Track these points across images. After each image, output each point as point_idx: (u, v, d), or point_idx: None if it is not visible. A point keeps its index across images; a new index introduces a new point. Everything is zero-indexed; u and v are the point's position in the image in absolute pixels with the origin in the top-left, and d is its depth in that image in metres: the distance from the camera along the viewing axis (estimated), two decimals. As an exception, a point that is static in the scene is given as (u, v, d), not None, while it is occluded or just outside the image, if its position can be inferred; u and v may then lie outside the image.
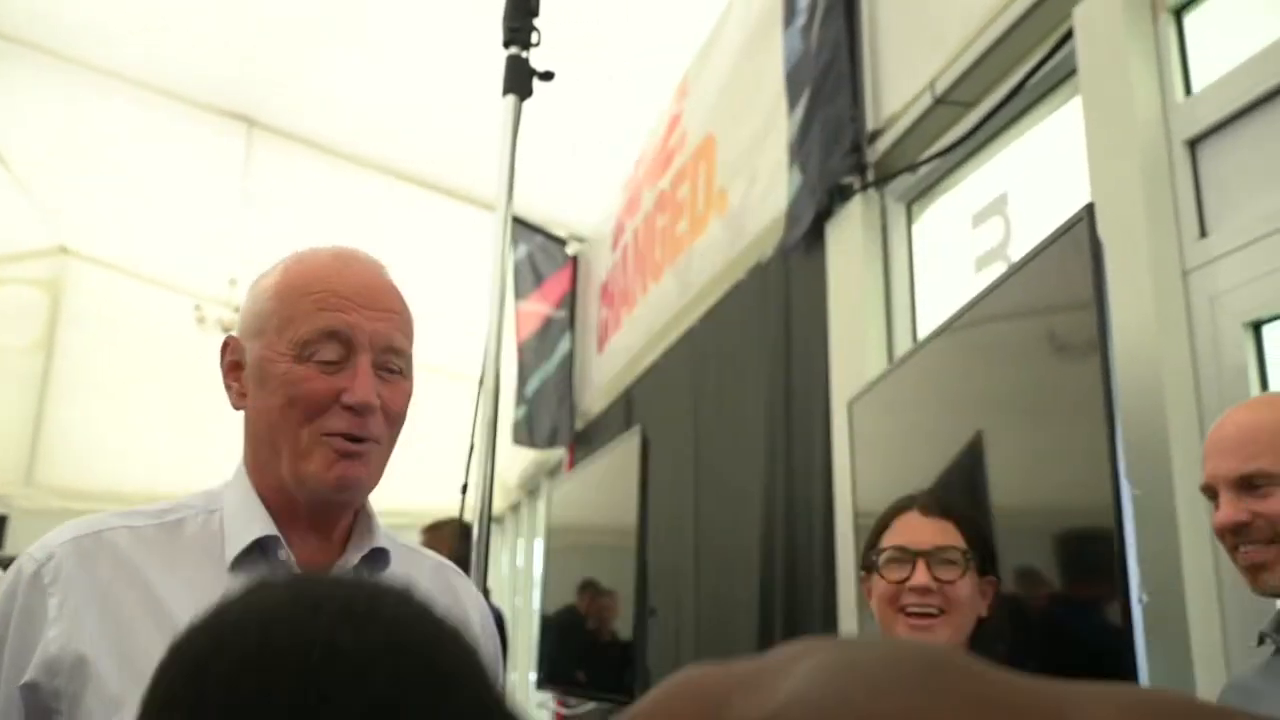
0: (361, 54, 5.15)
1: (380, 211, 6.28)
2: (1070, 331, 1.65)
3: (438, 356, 7.38)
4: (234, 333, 1.16)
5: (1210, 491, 1.43)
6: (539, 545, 7.11)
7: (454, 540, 4.30)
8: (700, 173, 4.23)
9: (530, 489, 8.07)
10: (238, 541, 1.10)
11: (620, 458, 3.36)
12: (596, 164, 5.54)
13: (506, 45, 2.06)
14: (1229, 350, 1.83)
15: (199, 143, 6.32)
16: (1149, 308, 1.90)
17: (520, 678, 7.55)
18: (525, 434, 6.51)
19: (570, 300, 6.37)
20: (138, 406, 8.72)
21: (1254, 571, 1.37)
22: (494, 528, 9.59)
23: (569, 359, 6.30)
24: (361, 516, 1.19)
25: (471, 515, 1.96)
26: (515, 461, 7.57)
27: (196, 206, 7.13)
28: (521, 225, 6.20)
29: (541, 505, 7.37)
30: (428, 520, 4.85)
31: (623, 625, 3.16)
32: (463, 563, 1.97)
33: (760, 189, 3.62)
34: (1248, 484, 1.38)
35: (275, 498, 1.12)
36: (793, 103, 3.31)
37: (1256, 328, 1.82)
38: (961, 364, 2.06)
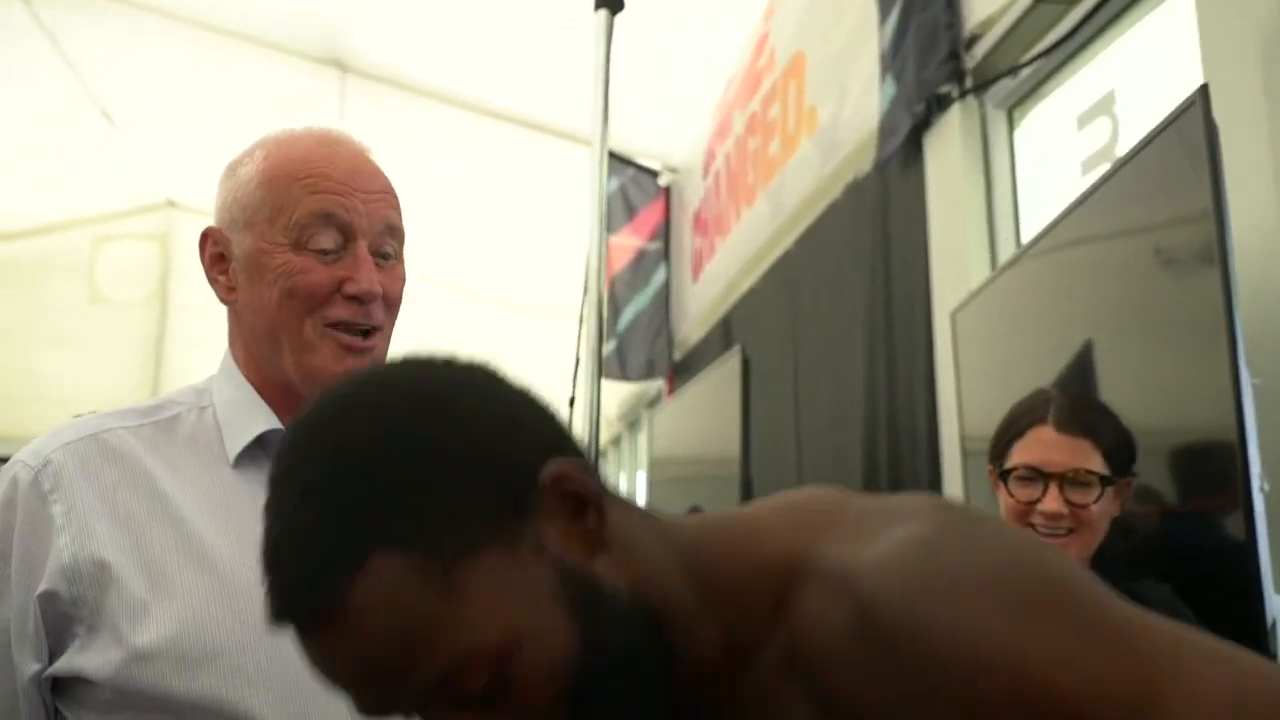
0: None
1: (476, 150, 6.31)
2: (1185, 223, 1.59)
3: (533, 295, 7.45)
4: (212, 223, 1.11)
5: None
6: (641, 478, 7.19)
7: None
8: (790, 91, 4.15)
9: (630, 421, 8.14)
10: (240, 437, 1.06)
11: (721, 379, 3.36)
12: (687, 92, 5.48)
13: (595, -40, 2.04)
14: (1356, 240, 1.75)
15: (294, 90, 6.41)
16: (1271, 202, 1.82)
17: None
18: (617, 367, 6.55)
19: (665, 231, 6.36)
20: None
21: None
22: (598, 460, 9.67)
23: (665, 289, 6.30)
24: None
25: (579, 437, 1.99)
26: (614, 395, 7.64)
27: (295, 154, 7.24)
28: (614, 158, 6.18)
29: (642, 438, 7.43)
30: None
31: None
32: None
33: (852, 104, 3.55)
34: None
35: (272, 391, 1.09)
36: (885, 12, 3.22)
37: (1386, 215, 1.73)
38: (1069, 266, 2.01)
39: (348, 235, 1.06)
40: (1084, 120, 2.60)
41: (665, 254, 6.35)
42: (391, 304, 1.10)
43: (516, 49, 5.38)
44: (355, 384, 0.71)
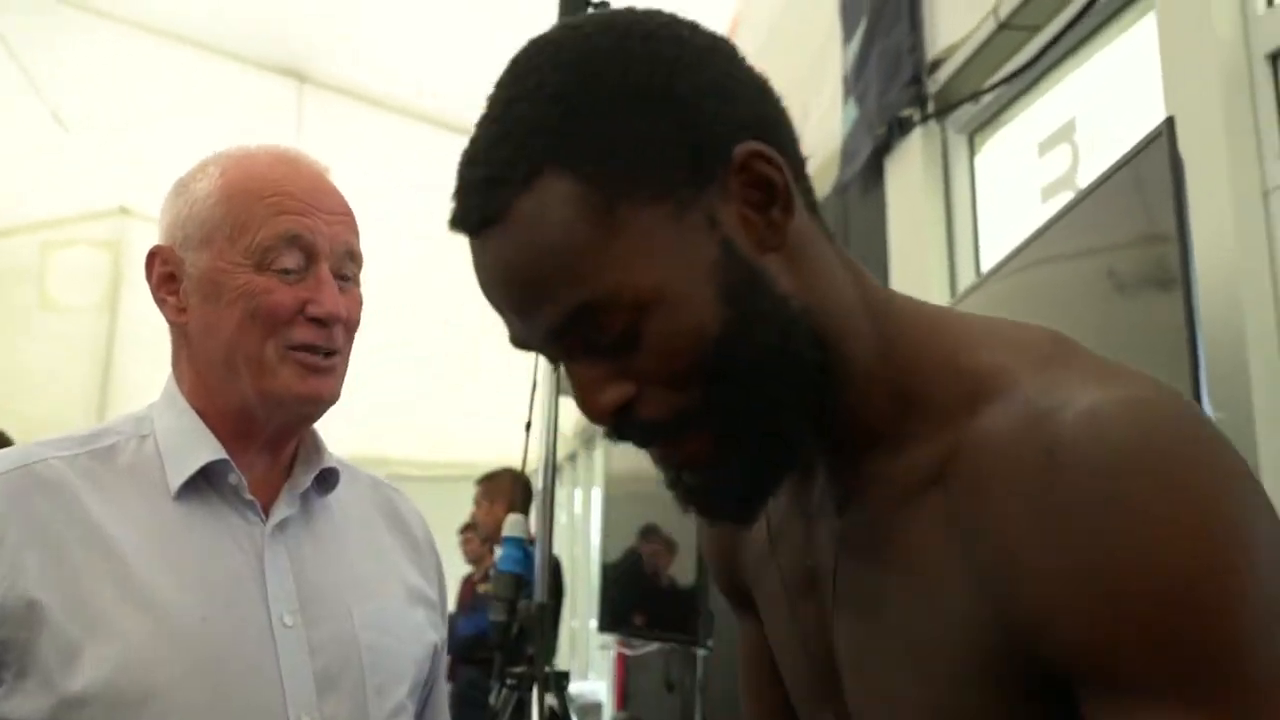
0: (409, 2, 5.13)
1: (435, 164, 6.27)
2: (1149, 253, 1.59)
3: (492, 312, 7.40)
4: (161, 242, 1.08)
5: None
6: (596, 494, 7.15)
7: (511, 490, 4.32)
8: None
9: (586, 438, 8.10)
10: (183, 467, 1.03)
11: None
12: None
13: (559, -25, 2.03)
14: (1313, 272, 1.77)
15: (252, 100, 6.35)
16: (1229, 231, 1.83)
17: (580, 624, 7.63)
18: (579, 384, 6.53)
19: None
20: (200, 364, 8.86)
21: None
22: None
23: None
24: (308, 435, 1.14)
25: (535, 456, 1.95)
26: (572, 411, 7.60)
27: (251, 164, 7.17)
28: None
29: (598, 455, 7.39)
30: (479, 471, 4.87)
31: (685, 568, 3.16)
32: (523, 511, 1.97)
33: (814, 126, 3.55)
34: None
35: (221, 419, 1.06)
36: (848, 34, 3.23)
37: (1343, 248, 1.75)
38: (1031, 293, 2.01)
39: (310, 257, 1.04)
40: (1045, 147, 2.61)
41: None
42: (350, 328, 1.09)
43: (478, 62, 5.34)
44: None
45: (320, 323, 1.04)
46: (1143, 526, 0.53)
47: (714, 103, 0.65)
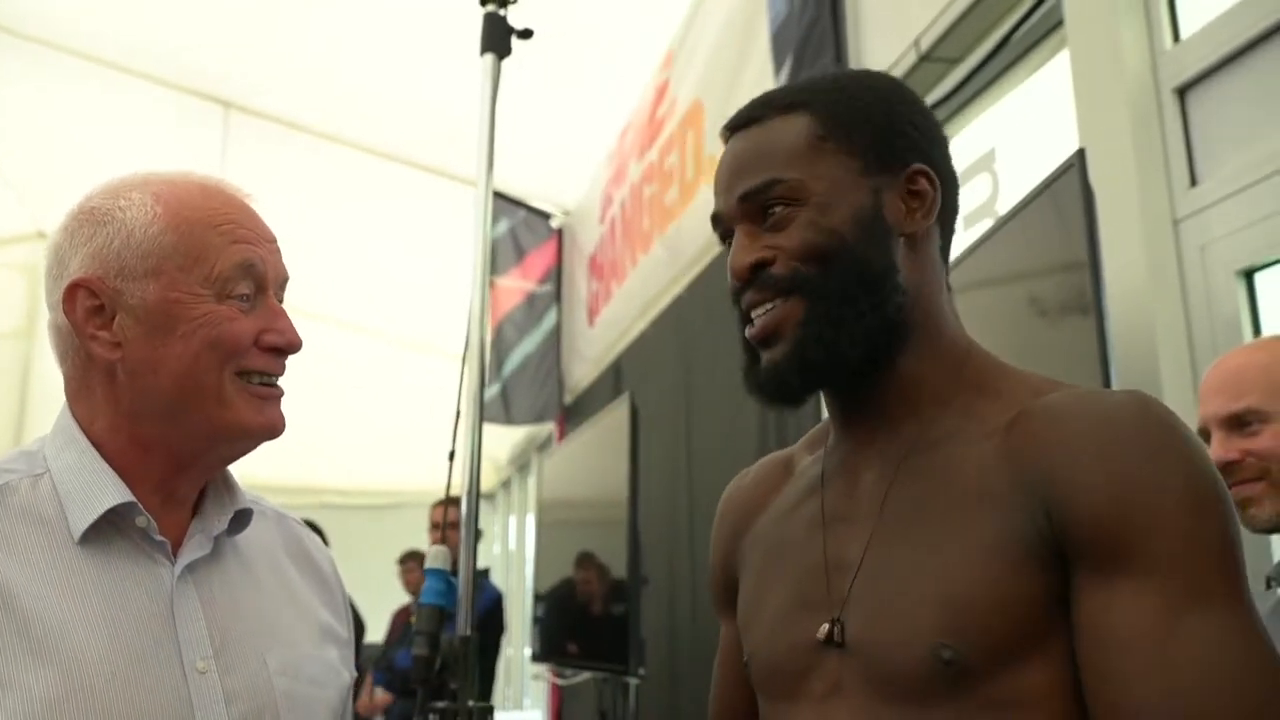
0: (336, 29, 5.09)
1: (360, 190, 6.23)
2: (1063, 281, 1.63)
3: (420, 334, 7.35)
4: (84, 274, 0.99)
5: (1204, 434, 1.45)
6: (530, 521, 7.11)
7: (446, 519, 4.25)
8: (688, 140, 4.18)
9: (520, 465, 8.06)
10: (86, 511, 0.96)
11: (610, 426, 3.34)
12: (582, 134, 5.49)
13: (483, 3, 2.02)
14: (1221, 299, 1.82)
15: (176, 126, 6.25)
16: (1140, 258, 1.88)
17: (515, 653, 7.56)
18: (501, 411, 6.48)
19: (556, 273, 6.34)
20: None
21: (1243, 507, 1.39)
22: (485, 505, 9.58)
23: (555, 332, 6.27)
24: (217, 476, 1.09)
25: (459, 485, 1.93)
26: (505, 438, 7.56)
27: (175, 189, 7.05)
28: (505, 200, 6.15)
29: (532, 481, 7.35)
30: (411, 498, 4.80)
31: (616, 596, 3.15)
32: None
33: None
34: (1237, 422, 1.42)
35: (134, 458, 1.00)
36: (779, 64, 3.27)
37: (1248, 275, 1.80)
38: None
39: (260, 286, 1.03)
40: (965, 176, 2.66)
41: (557, 296, 6.32)
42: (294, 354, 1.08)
43: (403, 90, 5.33)
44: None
45: (277, 352, 1.03)
46: (1163, 459, 0.78)
47: (919, 137, 0.95)
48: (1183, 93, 1.94)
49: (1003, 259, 1.85)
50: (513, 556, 8.34)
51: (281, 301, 1.07)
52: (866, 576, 0.89)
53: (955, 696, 0.80)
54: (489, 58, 1.98)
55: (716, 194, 0.98)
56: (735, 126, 0.98)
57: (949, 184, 0.96)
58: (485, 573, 5.90)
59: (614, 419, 3.29)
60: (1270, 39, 1.77)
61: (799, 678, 0.91)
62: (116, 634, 0.93)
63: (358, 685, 4.78)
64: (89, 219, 1.02)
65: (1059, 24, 2.22)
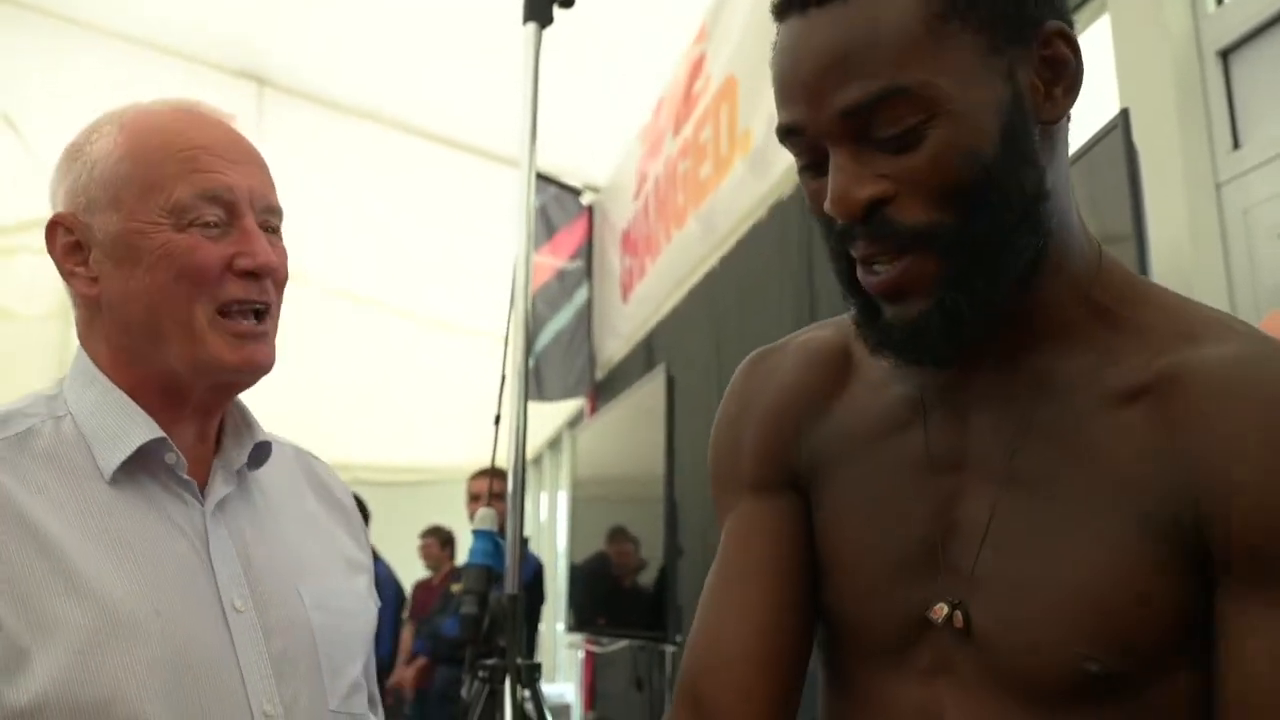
0: (371, 5, 5.11)
1: (395, 168, 6.25)
2: (1106, 242, 1.63)
3: (451, 312, 7.38)
4: (61, 210, 0.99)
5: None
6: (562, 497, 7.15)
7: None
8: (723, 114, 4.18)
9: (552, 441, 8.10)
10: (115, 450, 0.94)
11: (645, 398, 3.35)
12: (612, 111, 5.49)
13: (525, -26, 2.04)
14: (1263, 262, 1.82)
15: (211, 103, 6.30)
16: (1183, 222, 1.88)
17: (547, 627, 7.62)
18: (533, 388, 6.52)
19: (587, 250, 6.35)
20: (159, 371, 8.74)
21: None
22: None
23: (587, 308, 6.29)
24: (234, 407, 1.07)
25: (504, 452, 1.96)
26: (536, 414, 7.59)
27: (209, 169, 7.09)
28: (536, 177, 6.16)
29: (564, 457, 7.39)
30: (441, 475, 4.83)
31: (652, 567, 3.18)
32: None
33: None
34: None
35: (150, 391, 0.98)
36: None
37: (1292, 238, 1.80)
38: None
39: (232, 212, 0.97)
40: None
41: (587, 273, 6.34)
42: (280, 282, 1.02)
43: (438, 66, 5.34)
44: None
45: (253, 276, 0.97)
46: None
47: None
48: (1226, 55, 1.93)
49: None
50: (544, 532, 8.39)
51: (276, 226, 1.03)
52: (993, 553, 0.75)
53: (1099, 705, 0.71)
54: (531, 26, 2.00)
55: (790, 100, 0.73)
56: (807, 2, 0.71)
57: (1078, 46, 0.76)
58: (526, 541, 5.96)
59: (649, 391, 3.31)
60: (1315, 0, 1.76)
61: (900, 648, 0.80)
62: (155, 574, 0.92)
63: (392, 657, 4.81)
64: (66, 155, 1.02)
65: (1099, -11, 2.21)
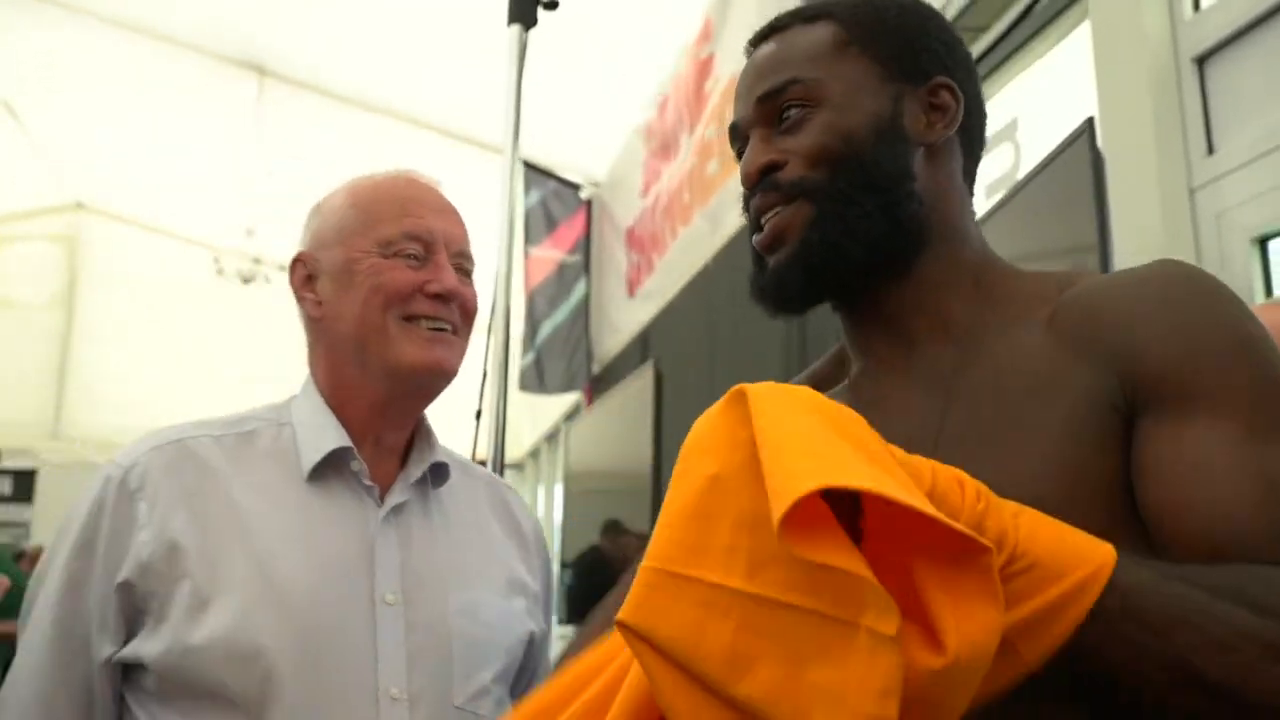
0: (370, -1, 5.13)
1: (393, 158, 6.26)
2: (1075, 248, 1.65)
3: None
4: (302, 250, 1.21)
5: None
6: (559, 491, 7.17)
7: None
8: (727, 114, 4.18)
9: (549, 435, 8.13)
10: (313, 453, 1.14)
11: (635, 393, 3.38)
12: (610, 108, 5.51)
13: (510, -26, 2.06)
14: (1235, 266, 1.84)
15: (211, 93, 6.32)
16: (1157, 226, 1.90)
17: (543, 620, 7.65)
18: (534, 380, 6.54)
19: (585, 244, 6.38)
20: (159, 358, 8.80)
21: None
22: (514, 474, 9.63)
23: (585, 302, 6.32)
24: (421, 431, 1.24)
25: (484, 447, 1.99)
26: (535, 407, 7.62)
27: (211, 158, 7.14)
28: (535, 171, 6.19)
29: (561, 452, 7.43)
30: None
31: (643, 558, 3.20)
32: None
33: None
34: None
35: (352, 409, 1.17)
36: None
37: (1262, 243, 1.82)
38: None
39: (430, 249, 1.17)
40: (988, 146, 2.67)
41: (585, 267, 6.36)
42: (468, 314, 1.20)
43: (436, 58, 5.36)
44: None
45: (440, 298, 1.15)
46: (1221, 305, 0.78)
47: (944, 53, 0.91)
48: (1201, 62, 1.95)
49: (1015, 231, 1.87)
50: (543, 525, 8.41)
51: (469, 269, 1.22)
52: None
53: None
54: (515, 28, 2.02)
55: (736, 105, 0.96)
56: (758, 40, 0.96)
57: (974, 105, 0.93)
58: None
59: (638, 386, 3.34)
60: (1288, 8, 1.78)
61: None
62: (320, 559, 1.10)
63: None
64: (313, 210, 1.25)
65: (1082, -7, 2.23)
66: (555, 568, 5.75)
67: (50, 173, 8.33)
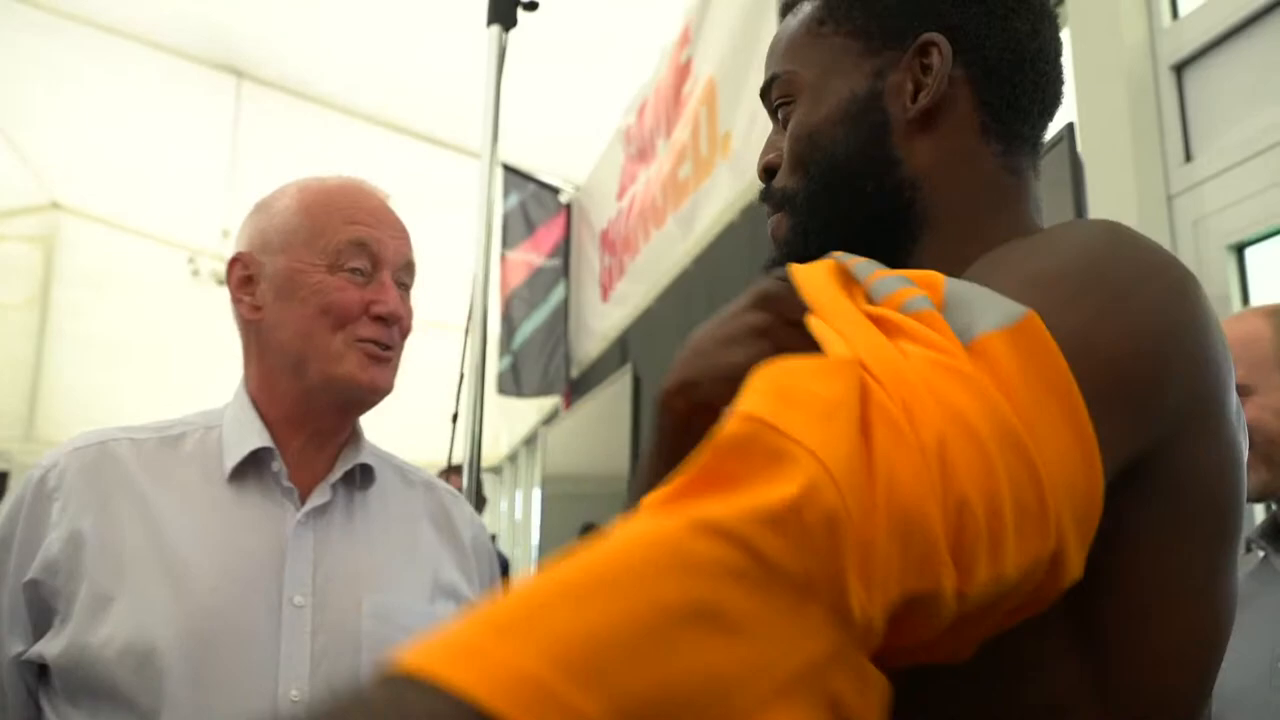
0: (348, 1, 5.11)
1: (370, 162, 6.25)
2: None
3: (432, 308, 7.38)
4: (242, 249, 1.20)
5: None
6: (537, 494, 7.15)
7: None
8: (702, 117, 4.19)
9: (527, 439, 8.11)
10: (235, 452, 1.14)
11: (612, 397, 3.38)
12: (590, 111, 5.50)
13: (490, -25, 2.05)
14: (1213, 273, 1.84)
15: (188, 95, 6.28)
16: (1132, 224, 1.90)
17: (521, 624, 7.63)
18: (511, 384, 6.52)
19: (564, 248, 6.36)
20: (135, 359, 8.73)
21: None
22: (491, 478, 9.59)
23: (563, 306, 6.30)
24: (353, 435, 1.24)
25: (460, 450, 1.98)
26: (513, 411, 7.60)
27: (188, 160, 7.09)
28: (514, 174, 6.17)
29: (538, 456, 7.41)
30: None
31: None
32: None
33: (759, 128, 3.60)
34: None
35: (279, 410, 1.18)
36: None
37: (1239, 250, 1.83)
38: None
39: (376, 264, 1.18)
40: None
41: (565, 271, 6.35)
42: (405, 334, 1.21)
43: (413, 61, 5.34)
44: None
45: (383, 321, 1.17)
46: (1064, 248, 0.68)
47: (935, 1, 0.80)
48: (1179, 69, 1.96)
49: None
50: (519, 530, 8.40)
51: (409, 284, 1.23)
52: None
53: None
54: (494, 29, 2.01)
55: None
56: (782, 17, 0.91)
57: (993, 51, 0.80)
58: (492, 538, 5.96)
59: (616, 390, 3.33)
60: (1265, 17, 1.79)
61: None
62: (227, 560, 1.10)
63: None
64: (257, 208, 1.24)
65: (1061, 0, 2.24)
66: (533, 571, 5.70)
67: (26, 173, 8.26)
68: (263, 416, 1.17)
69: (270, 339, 1.17)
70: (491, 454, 8.63)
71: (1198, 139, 1.92)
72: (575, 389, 6.12)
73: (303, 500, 1.16)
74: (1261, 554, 1.42)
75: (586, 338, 6.05)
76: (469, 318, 1.97)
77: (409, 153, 6.12)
